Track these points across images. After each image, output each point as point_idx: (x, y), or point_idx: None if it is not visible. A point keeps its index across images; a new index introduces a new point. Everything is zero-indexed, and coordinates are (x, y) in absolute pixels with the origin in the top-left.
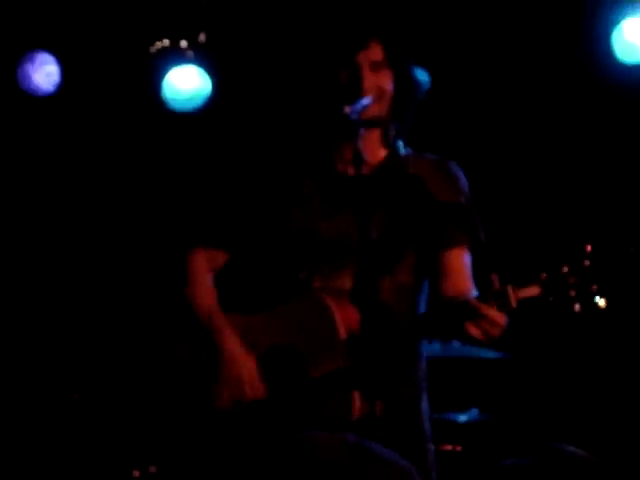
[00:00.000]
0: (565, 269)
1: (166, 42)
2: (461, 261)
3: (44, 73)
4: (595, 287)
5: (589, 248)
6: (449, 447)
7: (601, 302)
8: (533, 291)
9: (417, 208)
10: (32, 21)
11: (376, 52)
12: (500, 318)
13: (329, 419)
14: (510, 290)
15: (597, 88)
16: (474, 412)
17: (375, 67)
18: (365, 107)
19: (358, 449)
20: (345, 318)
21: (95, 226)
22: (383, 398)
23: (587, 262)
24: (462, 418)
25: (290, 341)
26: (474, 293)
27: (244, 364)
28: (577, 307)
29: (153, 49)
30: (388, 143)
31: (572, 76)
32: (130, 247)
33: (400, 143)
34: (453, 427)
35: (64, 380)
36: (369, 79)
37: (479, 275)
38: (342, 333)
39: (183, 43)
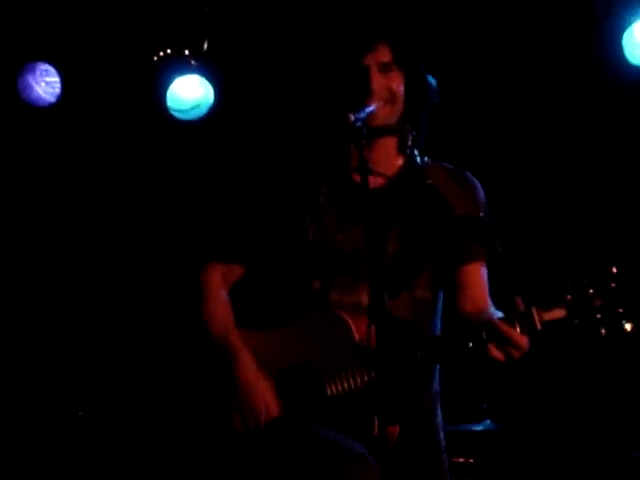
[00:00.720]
0: (591, 291)
1: (169, 51)
2: (479, 275)
3: (45, 84)
4: (621, 310)
5: (615, 270)
6: (461, 459)
7: (628, 326)
8: (559, 313)
9: (435, 222)
10: (33, 32)
11: (384, 53)
12: (523, 341)
13: (351, 434)
14: (535, 312)
15: (608, 90)
16: (487, 423)
17: (384, 69)
18: (370, 114)
19: (308, 434)
20: (362, 334)
21: (98, 238)
22: (402, 414)
23: (613, 284)
24: (476, 428)
25: (308, 358)
26: (491, 307)
27: (259, 391)
28: (603, 331)
29: (156, 58)
30: (404, 151)
31: (583, 79)
32: (137, 262)
33: (416, 152)
34: (467, 438)
35: (70, 396)
36: (378, 81)
37: (499, 290)
38: (360, 350)
39: (186, 52)
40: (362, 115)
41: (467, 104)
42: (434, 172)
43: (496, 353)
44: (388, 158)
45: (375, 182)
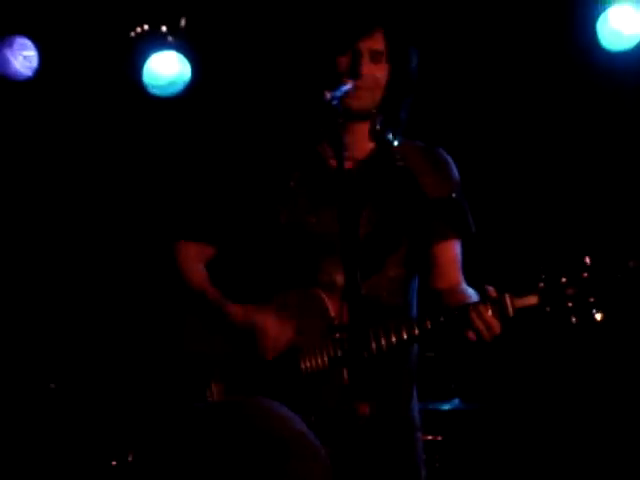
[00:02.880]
0: (563, 280)
1: (146, 27)
2: (452, 253)
3: (22, 58)
4: (592, 300)
5: (588, 260)
6: (429, 437)
7: (598, 315)
8: (531, 300)
9: (406, 202)
10: (10, 6)
11: (378, 42)
12: (495, 324)
13: (323, 410)
14: (508, 299)
15: (582, 76)
16: (456, 402)
17: (374, 57)
18: (346, 93)
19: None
20: (337, 311)
21: (72, 211)
22: (374, 391)
23: (586, 274)
24: (444, 407)
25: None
26: (463, 283)
27: (257, 318)
28: (574, 319)
29: (133, 34)
30: (375, 136)
31: (558, 64)
32: (110, 234)
33: (390, 134)
34: (436, 416)
35: (42, 369)
36: (368, 66)
37: (473, 268)
38: (334, 327)
39: (163, 28)
40: (338, 94)
41: (442, 85)
42: (407, 152)
43: (469, 334)
44: (360, 142)
45: (347, 164)
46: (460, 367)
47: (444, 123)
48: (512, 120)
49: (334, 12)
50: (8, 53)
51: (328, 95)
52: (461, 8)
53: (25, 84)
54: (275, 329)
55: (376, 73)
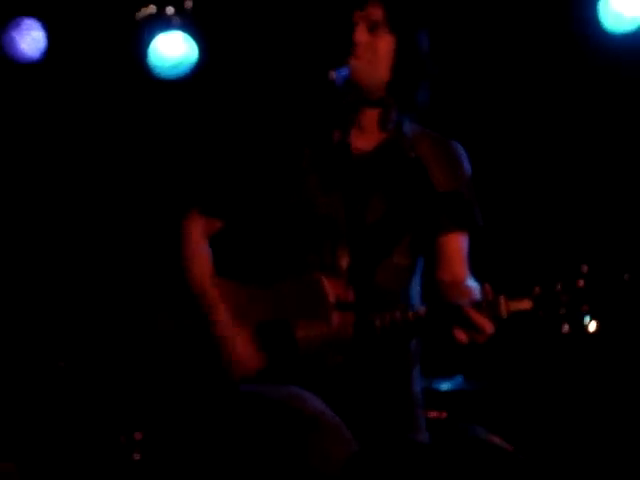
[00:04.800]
0: (559, 286)
1: (152, 8)
2: (458, 246)
3: (30, 39)
4: (586, 308)
5: (585, 269)
6: (434, 414)
7: (591, 325)
8: (524, 304)
9: (416, 193)
10: None
11: (375, 12)
12: (488, 326)
13: (320, 383)
14: (502, 301)
15: (584, 58)
16: (459, 380)
17: (372, 28)
18: (351, 72)
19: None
20: (335, 289)
21: (81, 191)
22: (374, 363)
23: (581, 282)
24: (446, 386)
25: (281, 315)
26: (468, 278)
27: (238, 345)
28: (566, 326)
29: (139, 15)
30: (386, 127)
31: (559, 46)
32: (119, 216)
33: (406, 121)
34: (438, 394)
35: (51, 347)
36: (362, 35)
37: (479, 262)
38: (331, 299)
39: (169, 9)
40: (344, 73)
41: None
42: (420, 141)
43: (460, 335)
44: (372, 128)
45: (358, 149)
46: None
47: (442, 111)
48: (513, 106)
49: None
50: (15, 34)
51: (333, 75)
52: None
53: (32, 66)
54: (244, 355)
55: (375, 43)
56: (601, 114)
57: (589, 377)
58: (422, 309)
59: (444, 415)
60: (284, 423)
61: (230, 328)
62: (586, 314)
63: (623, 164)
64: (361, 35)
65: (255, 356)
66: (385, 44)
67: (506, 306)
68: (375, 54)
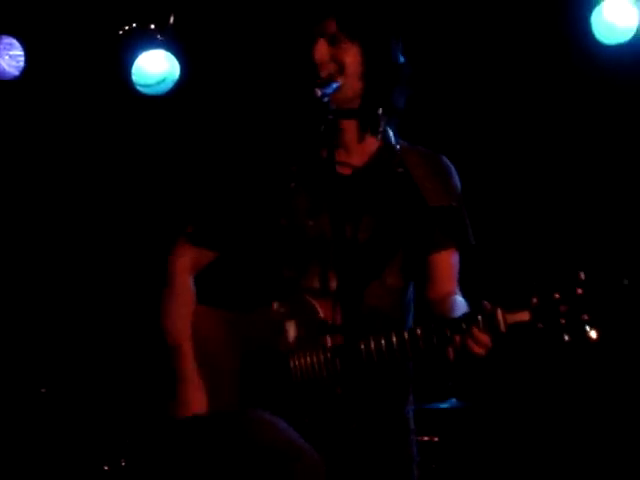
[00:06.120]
0: (557, 296)
1: (135, 26)
2: (449, 264)
3: (9, 57)
4: (586, 317)
5: (582, 276)
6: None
7: (592, 333)
8: (523, 316)
9: (406, 212)
10: None
11: (330, 25)
12: (486, 340)
13: (316, 415)
14: (500, 314)
15: (577, 69)
16: (453, 401)
17: (334, 40)
18: (336, 89)
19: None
20: (327, 315)
21: (62, 212)
22: (370, 393)
23: (580, 290)
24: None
25: (272, 341)
26: (457, 294)
27: (189, 386)
28: (567, 337)
29: (122, 33)
30: (364, 138)
31: (552, 56)
32: (103, 238)
33: (390, 133)
34: (432, 416)
35: (33, 373)
36: (321, 51)
37: (470, 279)
38: (325, 328)
39: (152, 27)
40: (329, 91)
41: (434, 79)
42: (408, 157)
43: (457, 354)
44: (359, 142)
45: (347, 166)
46: (457, 367)
47: (433, 120)
48: (505, 116)
49: (289, 6)
50: None
51: (319, 92)
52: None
53: (12, 83)
54: (191, 399)
55: (338, 55)
56: (595, 124)
57: (591, 386)
58: (418, 328)
59: (436, 439)
60: (257, 453)
61: (190, 375)
62: (587, 323)
63: (617, 172)
64: (320, 51)
65: (200, 402)
66: (349, 55)
67: (504, 319)
68: (340, 65)
